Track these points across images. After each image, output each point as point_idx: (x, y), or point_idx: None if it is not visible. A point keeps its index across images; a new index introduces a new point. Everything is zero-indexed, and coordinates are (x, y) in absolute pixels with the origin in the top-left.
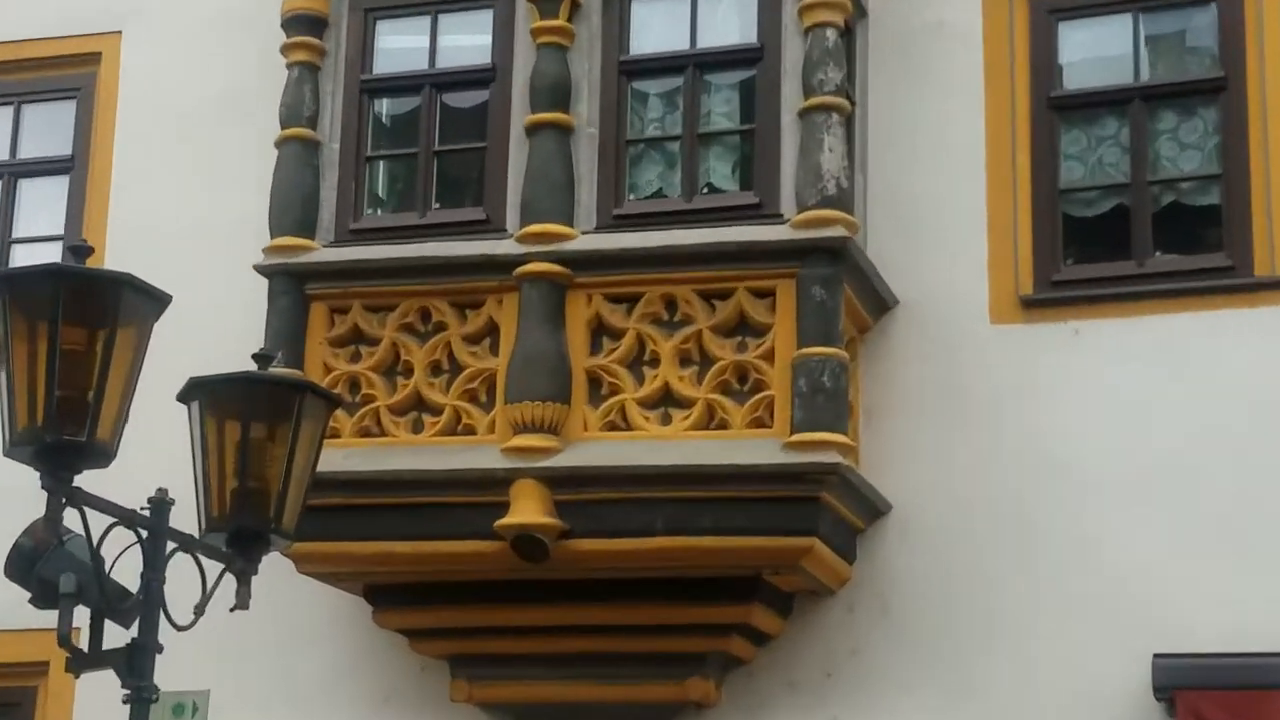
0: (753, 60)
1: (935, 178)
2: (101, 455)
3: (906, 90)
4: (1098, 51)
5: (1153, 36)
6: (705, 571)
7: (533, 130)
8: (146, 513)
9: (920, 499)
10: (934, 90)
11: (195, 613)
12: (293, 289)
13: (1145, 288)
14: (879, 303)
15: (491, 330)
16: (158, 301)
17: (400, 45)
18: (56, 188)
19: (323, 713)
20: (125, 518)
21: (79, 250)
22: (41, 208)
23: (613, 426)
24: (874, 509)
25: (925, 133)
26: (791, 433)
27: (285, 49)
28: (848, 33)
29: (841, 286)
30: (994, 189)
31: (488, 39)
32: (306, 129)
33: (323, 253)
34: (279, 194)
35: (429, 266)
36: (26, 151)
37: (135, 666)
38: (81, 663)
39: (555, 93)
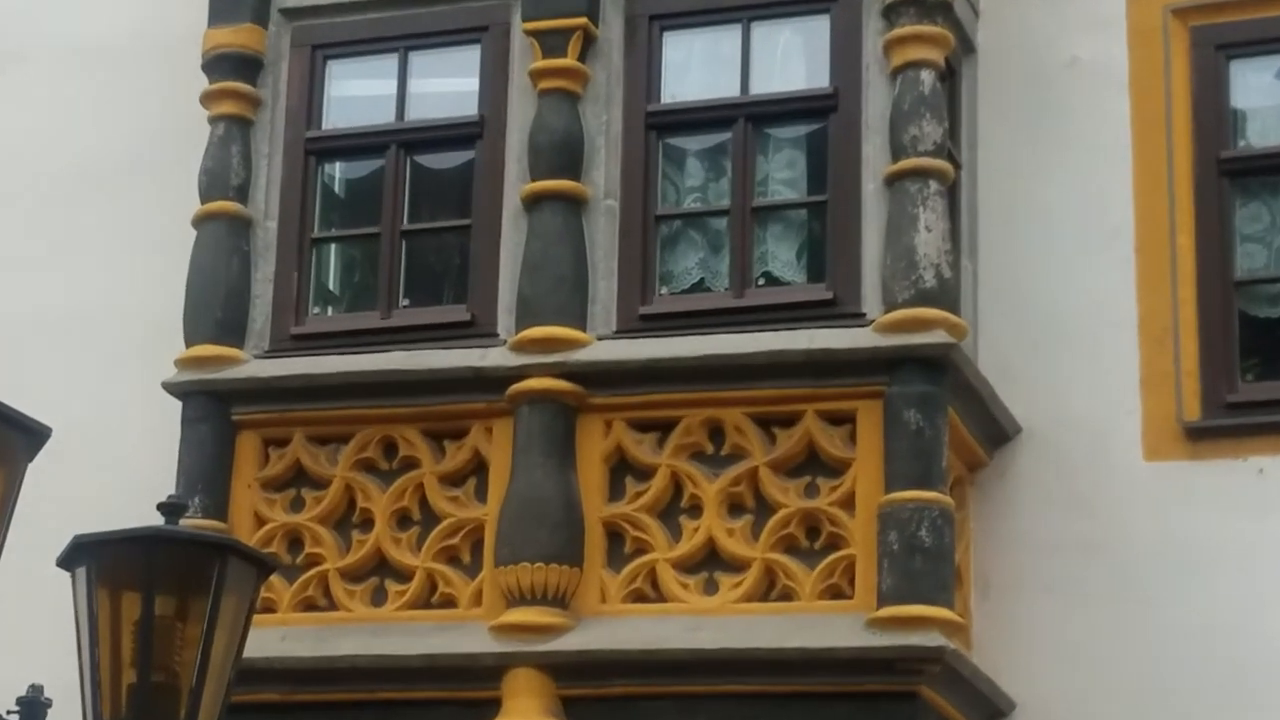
0: (824, 111)
1: (1068, 265)
2: None
3: (1029, 150)
4: None
5: None
6: None
7: (533, 203)
8: (14, 718)
9: (1052, 697)
10: (1066, 150)
11: None
12: (214, 413)
13: None
14: (995, 431)
15: (478, 468)
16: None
17: (359, 92)
18: None
19: None
20: None
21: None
22: None
23: (639, 597)
24: (991, 709)
25: (1055, 206)
26: (878, 606)
27: (207, 98)
28: (950, 75)
29: (945, 410)
30: (1147, 280)
31: (474, 83)
32: (234, 202)
33: (254, 365)
34: (197, 287)
35: (395, 383)
36: None
37: None
38: None
39: (563, 153)
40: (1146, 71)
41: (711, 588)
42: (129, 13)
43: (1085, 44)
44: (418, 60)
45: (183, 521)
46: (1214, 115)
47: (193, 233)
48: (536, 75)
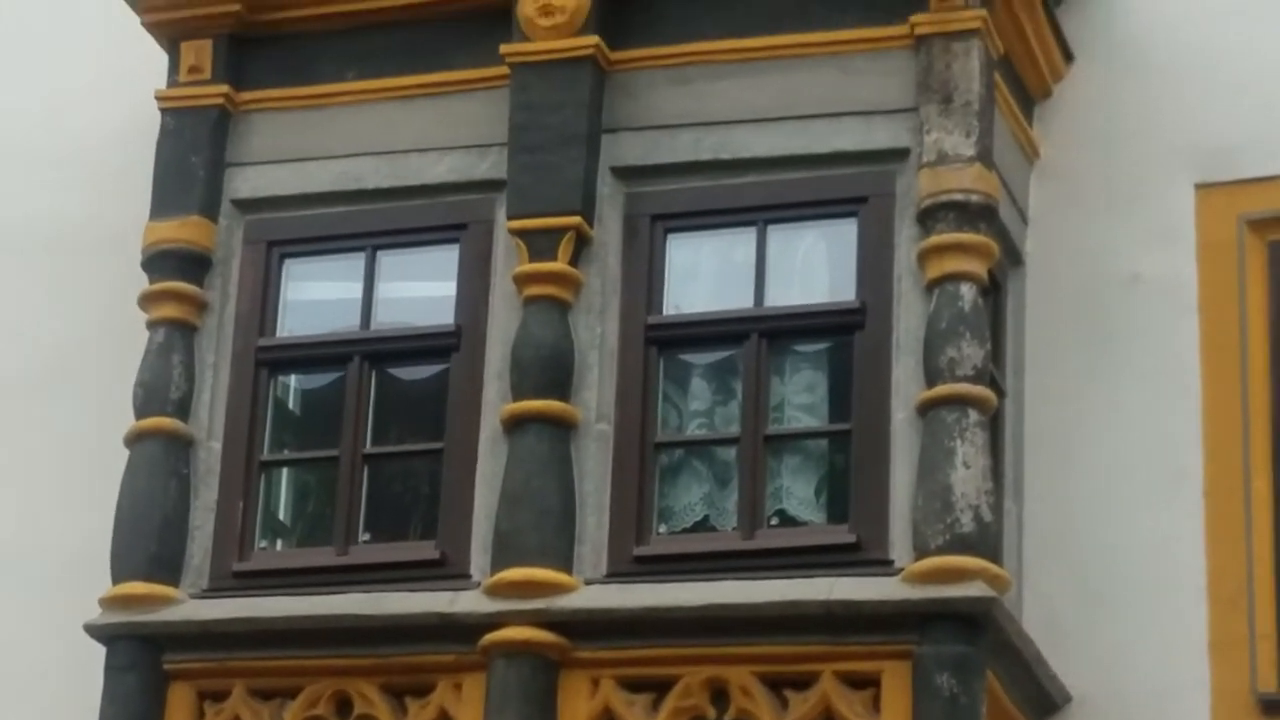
0: (850, 327)
1: (1127, 512)
2: None
3: (1083, 378)
4: None
5: None
6: None
7: (514, 425)
8: None
9: None
10: (1125, 379)
11: None
12: (142, 661)
13: None
14: (1043, 700)
15: None
16: None
17: (319, 296)
18: None
19: None
20: None
21: None
22: None
23: None
24: None
25: (1113, 443)
26: None
27: (146, 299)
28: (994, 290)
29: (984, 674)
30: (1217, 531)
31: (450, 288)
32: (173, 419)
33: (190, 606)
34: (128, 515)
35: (351, 630)
36: None
37: None
38: None
39: (550, 370)
40: (1219, 291)
41: None
42: (55, 201)
43: (1149, 258)
44: (387, 261)
45: None
46: None
47: (124, 452)
48: (522, 280)
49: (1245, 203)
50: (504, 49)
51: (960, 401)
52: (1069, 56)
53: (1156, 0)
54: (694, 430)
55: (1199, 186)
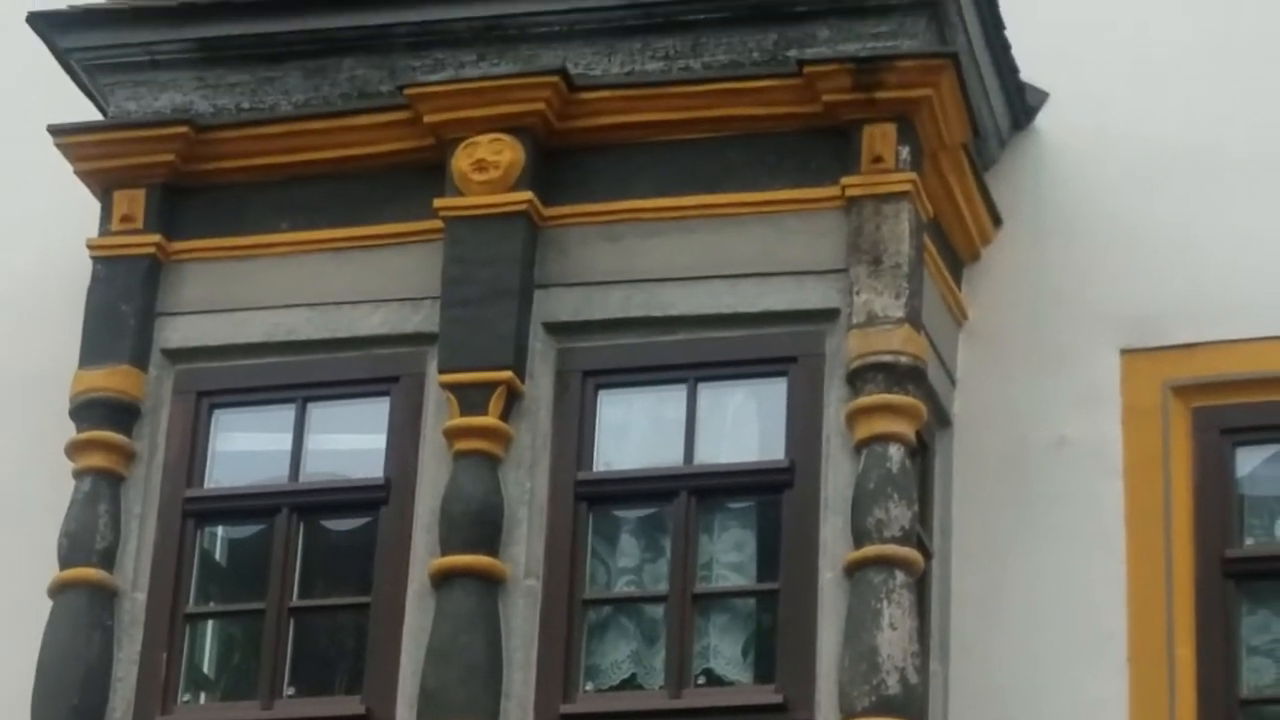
0: (778, 486)
1: (1053, 674)
2: None
3: (1010, 540)
4: None
5: None
6: None
7: (443, 580)
8: None
9: None
10: (1051, 542)
11: None
12: None
13: None
14: None
15: None
16: None
17: (248, 447)
18: None
19: None
20: None
21: None
22: None
23: None
24: None
25: (1038, 605)
26: None
27: (74, 448)
28: (922, 451)
29: None
30: (1141, 695)
31: (380, 441)
32: (98, 569)
33: None
34: (50, 667)
35: None
36: None
37: None
38: None
39: (479, 524)
40: (1144, 455)
41: None
42: None
43: (1075, 421)
44: (318, 413)
45: None
46: (1218, 508)
47: (47, 604)
48: (452, 434)
49: (1170, 369)
50: (438, 203)
51: (887, 563)
52: (997, 221)
53: (1084, 168)
54: (622, 587)
55: (1124, 352)
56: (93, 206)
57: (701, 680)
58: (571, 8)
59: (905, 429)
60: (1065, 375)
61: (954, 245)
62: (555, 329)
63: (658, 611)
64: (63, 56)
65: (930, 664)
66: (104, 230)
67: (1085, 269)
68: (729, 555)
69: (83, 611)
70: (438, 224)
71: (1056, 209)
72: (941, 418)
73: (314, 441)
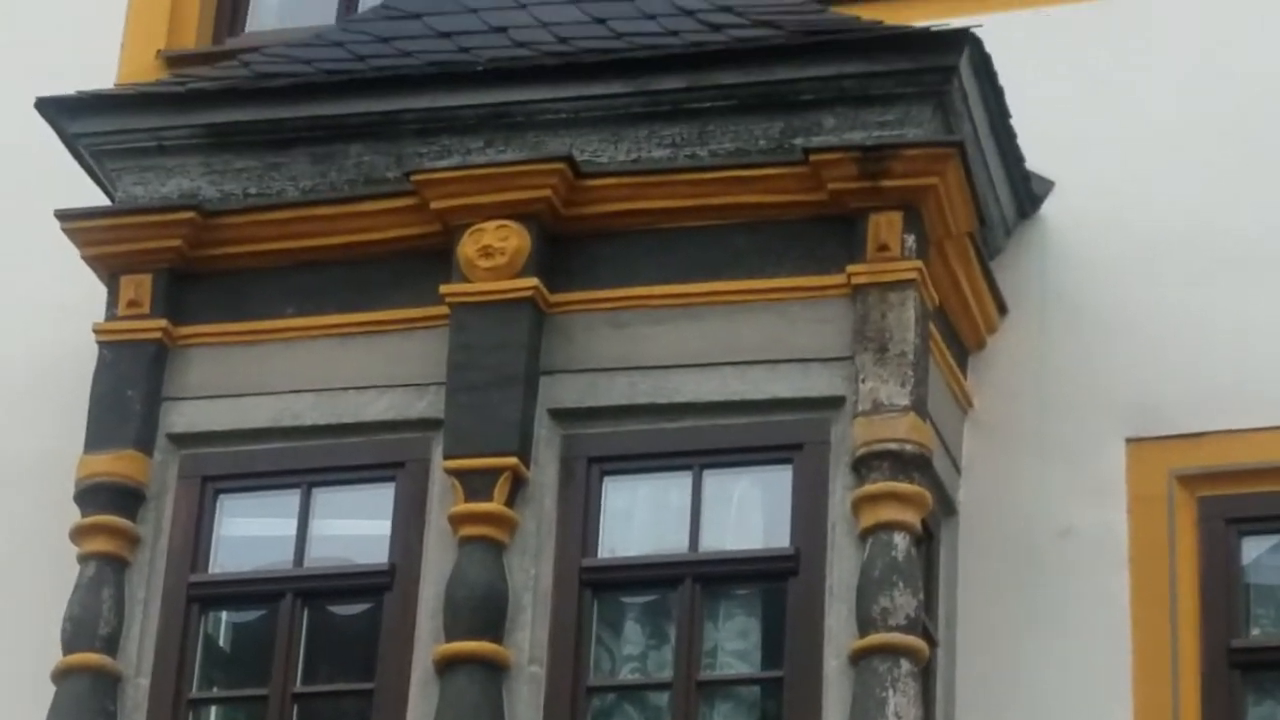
0: (783, 574)
1: None
2: None
3: (1016, 629)
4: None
5: None
6: None
7: (447, 666)
8: None
9: None
10: (1057, 631)
11: None
12: None
13: None
14: None
15: None
16: None
17: (253, 532)
18: None
19: None
20: None
21: None
22: None
23: None
24: None
25: (1043, 695)
26: None
27: (78, 533)
28: (927, 539)
29: None
30: None
31: (385, 526)
32: (101, 655)
33: None
34: None
35: None
36: None
37: None
38: None
39: (483, 611)
40: (1150, 545)
41: None
42: None
43: (1081, 511)
44: (322, 498)
45: None
46: (1224, 598)
47: (50, 689)
48: (457, 520)
49: (1175, 458)
50: (444, 289)
51: (893, 651)
52: (1003, 309)
53: (1090, 256)
54: (627, 674)
55: (1130, 441)
56: (99, 291)
57: None
58: (578, 95)
59: (911, 517)
60: (1071, 464)
61: (960, 333)
62: (560, 415)
63: (662, 699)
64: (70, 142)
65: None
66: (110, 315)
67: (1091, 357)
68: (734, 643)
69: (86, 697)
70: (444, 310)
71: (1062, 297)
72: (947, 506)
73: (318, 527)
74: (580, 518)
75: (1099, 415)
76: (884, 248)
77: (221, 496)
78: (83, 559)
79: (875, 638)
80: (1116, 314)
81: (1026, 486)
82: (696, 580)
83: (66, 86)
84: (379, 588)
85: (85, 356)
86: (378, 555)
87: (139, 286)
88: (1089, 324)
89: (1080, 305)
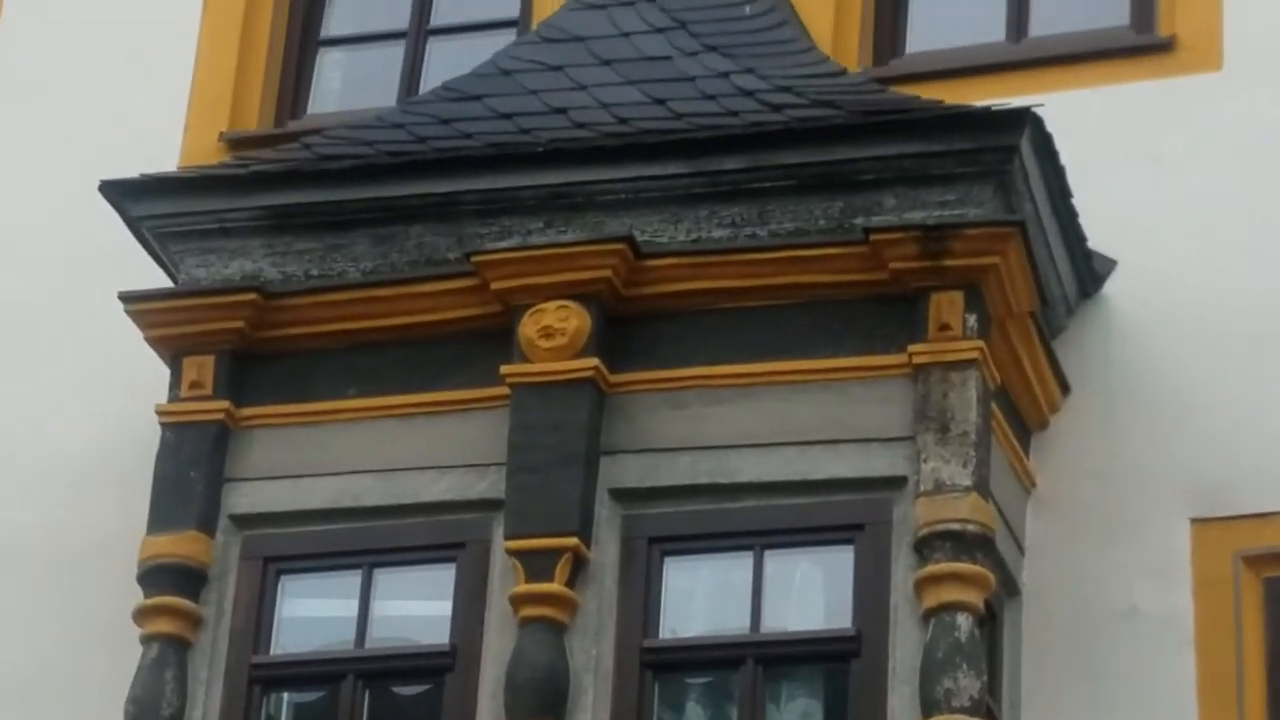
0: (845, 655)
1: None
2: None
3: (1079, 711)
4: None
5: None
6: None
7: None
8: None
9: None
10: (1121, 713)
11: None
12: None
13: None
14: None
15: None
16: None
17: (315, 613)
18: None
19: None
20: None
21: None
22: None
23: None
24: None
25: None
26: None
27: (141, 614)
28: (991, 620)
29: None
30: None
31: (446, 607)
32: None
33: None
34: None
35: None
36: None
37: None
38: None
39: (545, 691)
40: (1215, 626)
41: None
42: (50, 512)
43: (1145, 592)
44: (384, 578)
45: None
46: None
47: None
48: (518, 601)
49: (1241, 539)
50: (504, 370)
51: None
52: (1066, 388)
53: (1153, 335)
54: None
55: (1195, 521)
56: (162, 372)
57: None
58: (638, 176)
59: (974, 598)
60: (1135, 545)
61: (1022, 413)
62: (621, 495)
63: None
64: (134, 224)
65: None
66: (173, 396)
67: (1154, 437)
68: None
69: None
70: (504, 390)
71: (1125, 377)
72: (1010, 587)
73: (380, 607)
74: (641, 598)
75: (1163, 495)
76: (945, 327)
77: (283, 577)
78: (145, 640)
79: (939, 719)
80: (1180, 393)
81: (1090, 567)
82: (758, 661)
83: (130, 169)
84: (440, 668)
85: (148, 437)
86: (439, 636)
87: (201, 368)
88: (1152, 403)
89: (1143, 384)
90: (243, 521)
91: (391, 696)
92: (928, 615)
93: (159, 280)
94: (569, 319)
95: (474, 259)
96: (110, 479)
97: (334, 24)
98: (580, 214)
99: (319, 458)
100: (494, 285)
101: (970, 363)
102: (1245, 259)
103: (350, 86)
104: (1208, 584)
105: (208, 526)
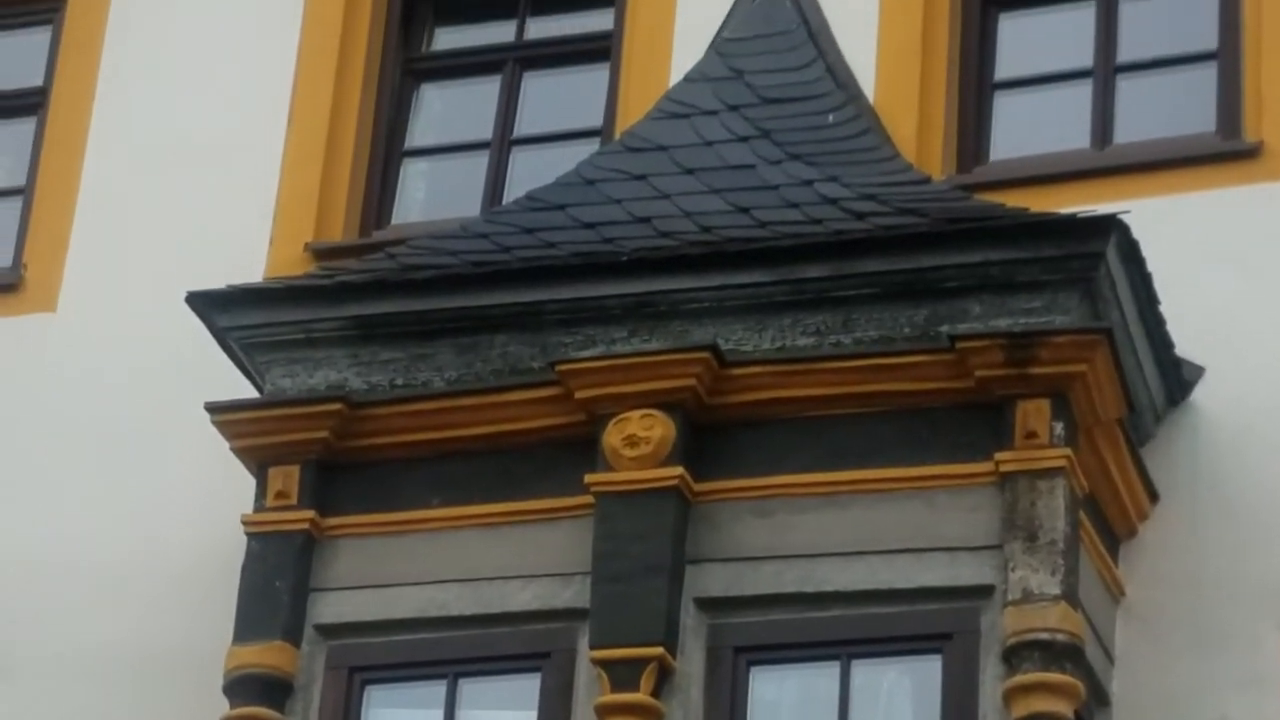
0: None
1: None
2: None
3: None
4: None
5: None
6: None
7: None
8: None
9: None
10: None
11: None
12: None
13: None
14: None
15: None
16: None
17: (401, 717)
18: None
19: None
20: None
21: None
22: None
23: None
24: None
25: None
26: None
27: None
28: None
29: None
30: None
31: (532, 716)
32: None
33: None
34: None
35: None
36: None
37: None
38: None
39: None
40: None
41: None
42: (136, 624)
43: (1237, 703)
44: (469, 688)
45: None
46: None
47: None
48: (604, 711)
49: None
50: (589, 478)
51: None
52: (1154, 497)
53: (1242, 444)
54: None
55: None
56: (248, 482)
57: None
58: (722, 284)
59: (1064, 708)
60: (1226, 655)
61: (1110, 521)
62: (707, 605)
63: None
64: (220, 335)
65: None
66: (259, 506)
67: (1245, 546)
68: None
69: None
70: (588, 499)
71: (1214, 485)
72: (1100, 697)
73: (465, 717)
74: (728, 708)
75: (1254, 604)
76: (1032, 435)
77: (369, 687)
78: None
79: None
80: (1270, 502)
81: (1181, 676)
82: None
83: (217, 280)
84: None
85: (234, 547)
86: None
87: (287, 478)
88: (1242, 511)
89: (1233, 492)
90: (328, 631)
91: None
92: None
93: (245, 390)
94: (653, 428)
95: (558, 368)
96: (197, 589)
97: (418, 134)
98: (664, 322)
99: (404, 567)
100: (578, 394)
101: (1058, 471)
102: None
103: (434, 196)
104: None
105: (293, 636)
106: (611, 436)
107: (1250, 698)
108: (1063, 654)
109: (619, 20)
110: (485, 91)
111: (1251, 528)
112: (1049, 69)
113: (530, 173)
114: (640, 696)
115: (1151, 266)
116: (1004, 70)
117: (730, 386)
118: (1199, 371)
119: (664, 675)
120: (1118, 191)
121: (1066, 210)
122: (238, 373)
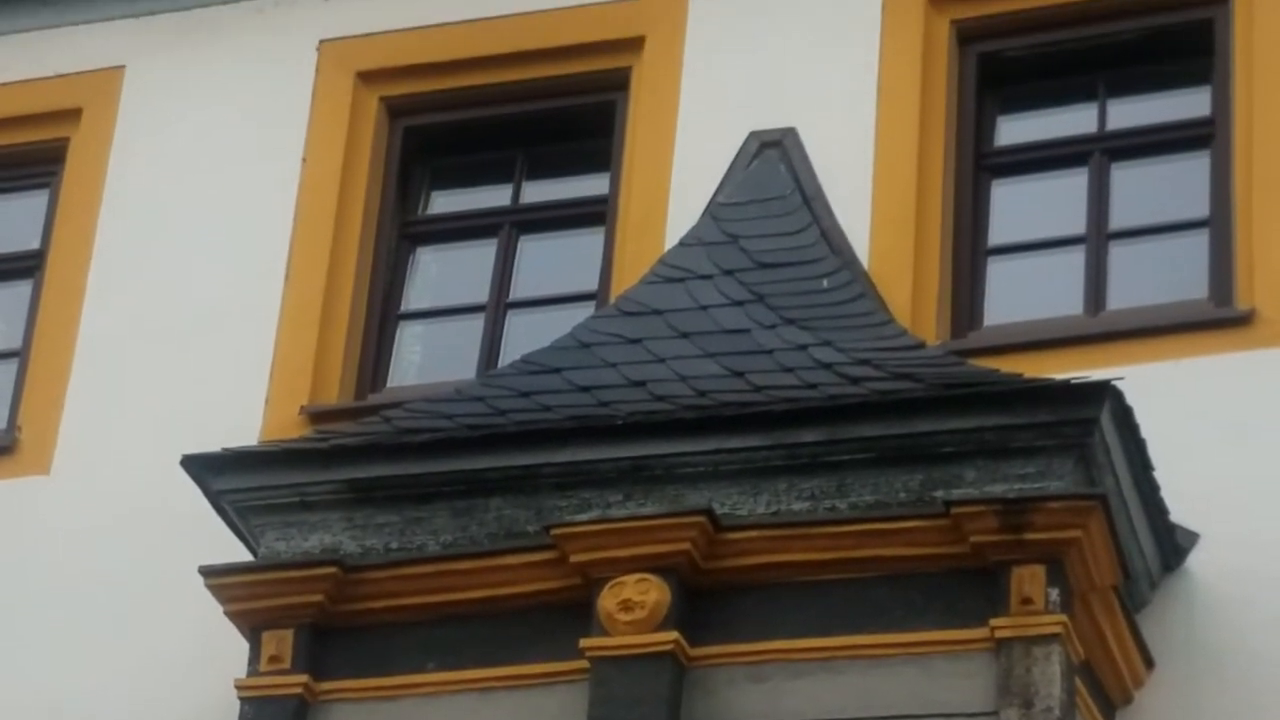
0: None
1: None
2: None
3: None
4: None
5: None
6: None
7: None
8: None
9: None
10: None
11: None
12: None
13: None
14: None
15: None
16: None
17: None
18: None
19: None
20: None
21: None
22: None
23: None
24: None
25: None
26: None
27: None
28: None
29: None
30: None
31: None
32: None
33: None
34: None
35: None
36: None
37: None
38: None
39: None
40: None
41: None
42: None
43: None
44: None
45: None
46: None
47: None
48: None
49: None
50: (584, 643)
51: None
52: (1150, 663)
53: (1237, 610)
54: None
55: None
56: (243, 645)
57: None
58: (717, 448)
59: None
60: None
61: (1106, 687)
62: None
63: None
64: (215, 498)
65: None
66: (252, 670)
67: (1240, 712)
68: None
69: None
70: (584, 664)
71: (1210, 652)
72: None
73: None
74: None
75: None
76: (1027, 601)
77: None
78: None
79: None
80: (1265, 669)
81: None
82: None
83: (211, 442)
84: None
85: (228, 711)
86: None
87: (280, 642)
88: (1237, 679)
89: (1228, 660)
90: None
91: None
92: None
93: (239, 554)
94: (649, 592)
95: (553, 532)
96: None
97: (414, 297)
98: (660, 486)
99: None
100: (573, 558)
101: (1053, 637)
102: None
103: (430, 359)
104: None
105: None
106: (606, 600)
107: None
108: None
109: (614, 185)
110: (481, 255)
111: (1246, 694)
112: (1042, 235)
113: (526, 336)
114: None
115: (1145, 432)
116: (997, 236)
117: (725, 551)
118: (1194, 538)
119: None
120: (1111, 357)
121: (1060, 376)
122: (232, 535)
